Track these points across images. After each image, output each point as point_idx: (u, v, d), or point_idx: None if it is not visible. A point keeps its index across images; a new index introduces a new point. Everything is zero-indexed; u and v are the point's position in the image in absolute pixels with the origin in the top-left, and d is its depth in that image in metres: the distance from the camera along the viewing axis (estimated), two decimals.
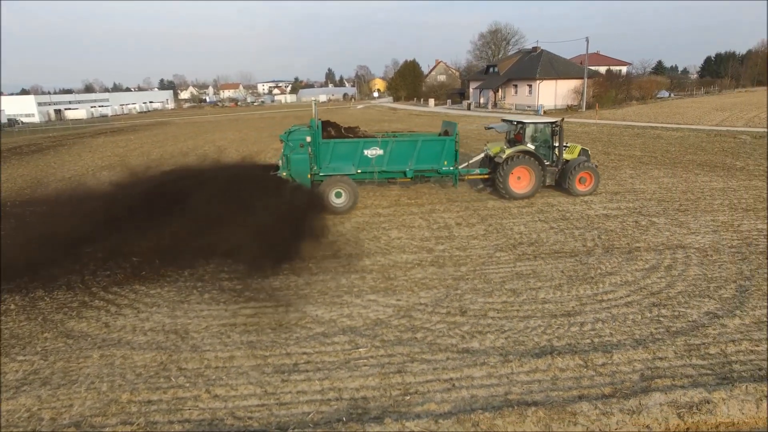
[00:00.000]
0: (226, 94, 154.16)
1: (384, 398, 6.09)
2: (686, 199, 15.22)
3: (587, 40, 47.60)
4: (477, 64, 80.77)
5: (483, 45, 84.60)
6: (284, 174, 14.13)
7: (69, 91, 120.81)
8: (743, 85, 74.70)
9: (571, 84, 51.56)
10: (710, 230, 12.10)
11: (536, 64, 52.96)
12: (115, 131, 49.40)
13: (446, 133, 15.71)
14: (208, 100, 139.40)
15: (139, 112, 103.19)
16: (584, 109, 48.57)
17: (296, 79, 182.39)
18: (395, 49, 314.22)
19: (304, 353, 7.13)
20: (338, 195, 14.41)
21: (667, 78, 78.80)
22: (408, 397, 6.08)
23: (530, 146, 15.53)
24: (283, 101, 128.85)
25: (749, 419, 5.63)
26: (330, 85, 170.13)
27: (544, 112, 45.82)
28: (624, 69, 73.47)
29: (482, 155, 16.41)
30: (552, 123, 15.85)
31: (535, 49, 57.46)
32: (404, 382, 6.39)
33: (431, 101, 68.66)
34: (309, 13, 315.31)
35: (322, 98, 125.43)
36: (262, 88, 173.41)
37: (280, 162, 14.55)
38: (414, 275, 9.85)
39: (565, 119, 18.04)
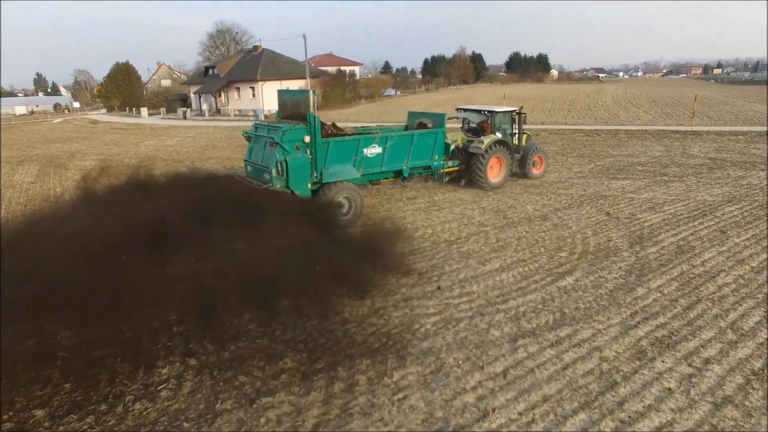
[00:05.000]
0: None
1: None
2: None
3: (304, 38, 44.85)
4: (203, 66, 72.94)
5: (212, 46, 77.50)
6: (278, 186, 10.81)
7: None
8: (453, 83, 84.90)
9: (297, 84, 48.68)
10: None
11: (257, 64, 48.51)
12: None
13: (421, 125, 14.53)
14: None
15: None
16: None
17: None
18: (123, 53, 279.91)
19: None
20: (341, 205, 11.51)
21: (392, 77, 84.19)
22: None
23: (499, 135, 15.12)
24: None
25: None
26: (40, 94, 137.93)
27: (265, 116, 41.47)
28: (357, 69, 75.51)
29: (452, 147, 14.96)
30: (512, 111, 15.86)
31: (256, 48, 52.97)
32: None
33: (144, 110, 57.18)
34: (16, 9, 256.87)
35: (21, 110, 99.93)
36: None
37: (248, 168, 12.13)
38: None
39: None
